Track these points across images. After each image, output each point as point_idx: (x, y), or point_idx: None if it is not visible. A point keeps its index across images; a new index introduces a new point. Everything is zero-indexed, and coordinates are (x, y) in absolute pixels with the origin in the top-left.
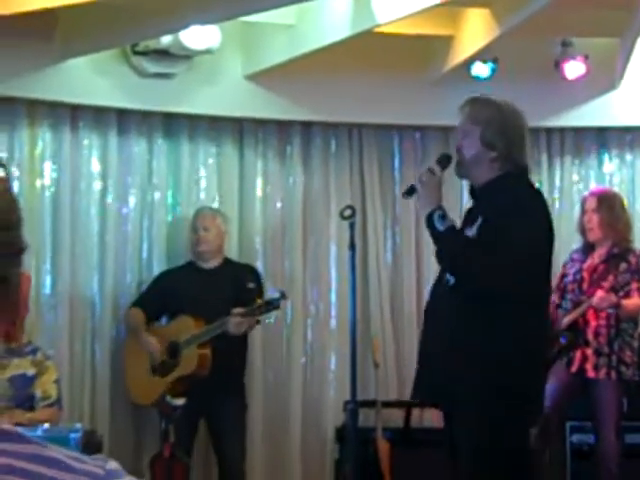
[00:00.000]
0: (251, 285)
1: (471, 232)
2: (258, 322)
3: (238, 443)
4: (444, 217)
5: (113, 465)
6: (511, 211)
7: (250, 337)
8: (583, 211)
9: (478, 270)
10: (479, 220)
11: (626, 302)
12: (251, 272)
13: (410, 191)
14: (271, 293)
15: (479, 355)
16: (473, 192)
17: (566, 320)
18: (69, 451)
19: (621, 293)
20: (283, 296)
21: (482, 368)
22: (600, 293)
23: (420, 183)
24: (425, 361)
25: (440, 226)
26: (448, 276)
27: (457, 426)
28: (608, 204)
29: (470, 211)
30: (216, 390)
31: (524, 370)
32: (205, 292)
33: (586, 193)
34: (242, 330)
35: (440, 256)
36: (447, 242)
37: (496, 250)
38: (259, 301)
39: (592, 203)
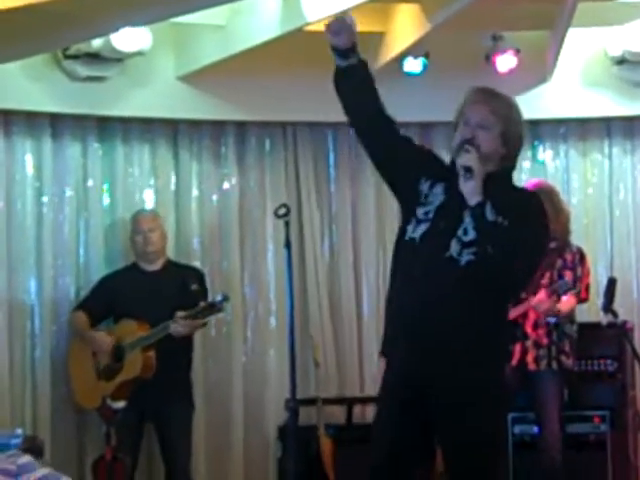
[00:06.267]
0: (194, 287)
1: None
2: (204, 324)
3: (185, 446)
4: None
5: (25, 459)
6: None
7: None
8: None
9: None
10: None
11: (561, 306)
12: (195, 274)
13: (469, 170)
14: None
15: (496, 350)
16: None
17: None
18: None
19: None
20: (226, 299)
21: (497, 365)
22: (541, 296)
23: (475, 163)
24: (430, 344)
25: (491, 217)
26: (455, 253)
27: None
28: (548, 197)
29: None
30: (163, 392)
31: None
32: (149, 295)
33: None
34: (185, 333)
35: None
36: (496, 235)
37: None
38: (202, 304)
39: None
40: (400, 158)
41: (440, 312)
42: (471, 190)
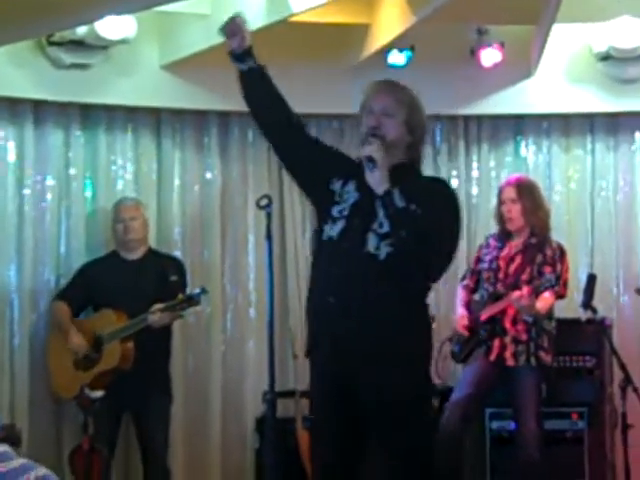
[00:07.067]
0: (173, 278)
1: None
2: (181, 316)
3: (163, 437)
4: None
5: (20, 462)
6: None
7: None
8: (501, 201)
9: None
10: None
11: (539, 307)
12: (175, 264)
13: (371, 161)
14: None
15: (420, 343)
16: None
17: (485, 314)
18: None
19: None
20: (204, 292)
21: (422, 358)
22: (522, 292)
23: (377, 153)
24: (352, 342)
25: (400, 203)
26: (373, 248)
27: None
28: (528, 191)
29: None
30: (141, 382)
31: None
32: (129, 284)
33: (502, 182)
34: (163, 324)
35: (403, 237)
36: (408, 221)
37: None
38: (180, 297)
39: (511, 193)
40: (310, 160)
41: (362, 309)
42: (377, 180)
